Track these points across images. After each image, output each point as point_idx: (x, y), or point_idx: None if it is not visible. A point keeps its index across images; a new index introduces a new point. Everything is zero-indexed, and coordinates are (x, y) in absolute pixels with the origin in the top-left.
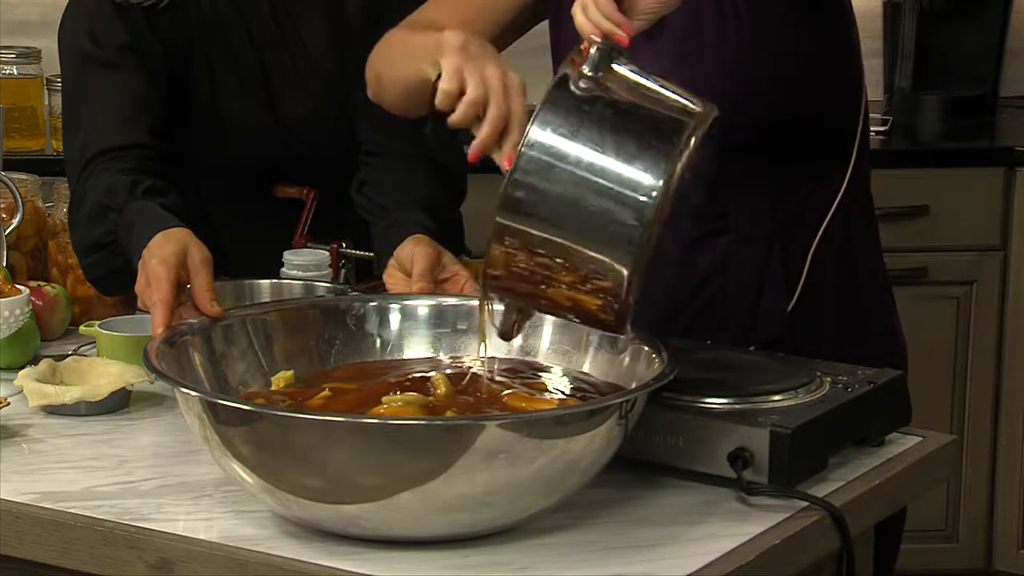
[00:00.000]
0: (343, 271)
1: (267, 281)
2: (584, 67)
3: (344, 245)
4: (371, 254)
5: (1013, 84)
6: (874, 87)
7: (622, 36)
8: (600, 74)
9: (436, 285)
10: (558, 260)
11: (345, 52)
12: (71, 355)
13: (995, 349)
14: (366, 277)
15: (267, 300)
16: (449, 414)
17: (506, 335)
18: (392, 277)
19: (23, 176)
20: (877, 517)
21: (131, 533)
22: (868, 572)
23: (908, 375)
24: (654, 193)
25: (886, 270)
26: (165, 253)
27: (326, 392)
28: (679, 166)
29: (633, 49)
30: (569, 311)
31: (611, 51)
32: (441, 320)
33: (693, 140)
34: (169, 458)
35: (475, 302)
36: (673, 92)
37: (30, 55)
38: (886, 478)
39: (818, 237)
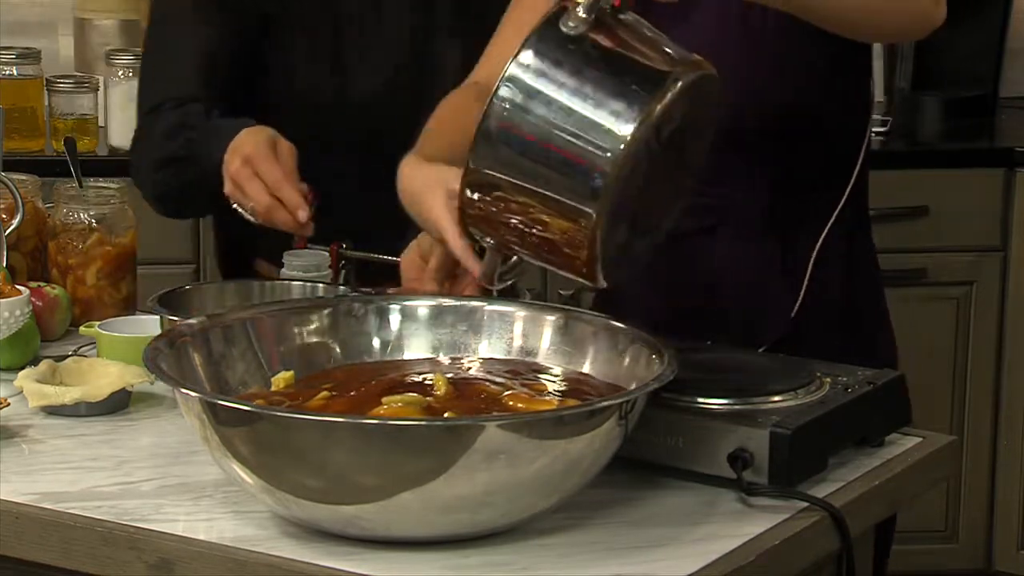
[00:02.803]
0: (343, 272)
1: (267, 281)
2: (579, 9)
3: (344, 246)
4: (370, 255)
5: (1013, 84)
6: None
7: None
8: (592, 16)
9: (450, 285)
10: (527, 202)
11: (428, 42)
12: (71, 356)
13: (995, 349)
14: (364, 277)
15: (267, 300)
16: (449, 415)
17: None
18: (408, 257)
19: (23, 176)
20: (877, 517)
21: (131, 533)
22: (868, 572)
23: (905, 377)
24: (621, 146)
25: (881, 275)
26: (258, 139)
27: (326, 392)
28: (654, 114)
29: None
30: (543, 259)
31: None
32: (441, 321)
33: (671, 93)
34: (169, 458)
35: (475, 303)
36: (666, 44)
37: (30, 55)
38: (886, 478)
39: (819, 243)
